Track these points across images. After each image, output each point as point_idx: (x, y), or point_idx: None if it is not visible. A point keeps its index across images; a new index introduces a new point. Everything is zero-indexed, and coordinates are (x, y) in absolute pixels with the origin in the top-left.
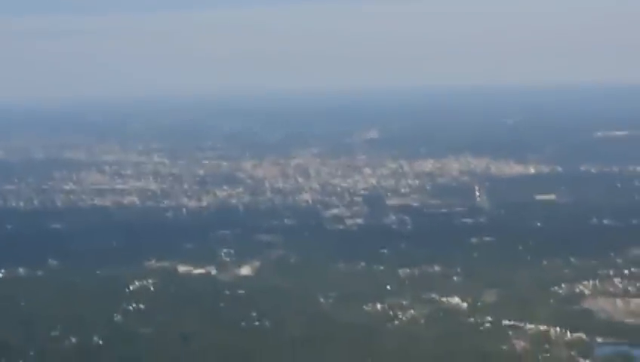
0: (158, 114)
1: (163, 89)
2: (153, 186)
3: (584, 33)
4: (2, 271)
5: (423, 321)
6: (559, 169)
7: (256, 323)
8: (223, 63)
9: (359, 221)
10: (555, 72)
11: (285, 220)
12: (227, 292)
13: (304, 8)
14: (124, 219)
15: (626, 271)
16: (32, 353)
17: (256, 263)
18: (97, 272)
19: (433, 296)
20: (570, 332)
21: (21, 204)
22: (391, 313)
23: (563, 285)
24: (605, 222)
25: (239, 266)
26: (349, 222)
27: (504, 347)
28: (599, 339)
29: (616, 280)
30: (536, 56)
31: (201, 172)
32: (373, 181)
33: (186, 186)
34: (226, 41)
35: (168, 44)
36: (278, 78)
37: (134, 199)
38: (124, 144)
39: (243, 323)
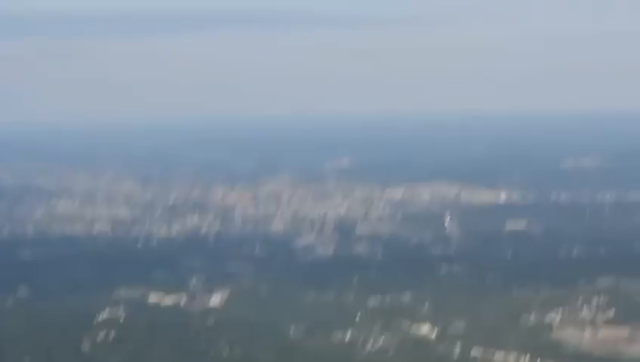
0: (128, 140)
1: (130, 115)
2: (123, 214)
3: (550, 61)
4: None
5: (392, 350)
6: (529, 197)
7: (225, 353)
8: (190, 91)
9: (329, 249)
10: (523, 100)
11: (256, 249)
12: (197, 321)
13: (271, 33)
14: (94, 247)
15: (595, 301)
16: None
17: (226, 292)
18: (66, 301)
19: (403, 324)
20: (540, 361)
21: None
22: (360, 342)
23: (532, 314)
24: (575, 251)
25: (209, 295)
26: (319, 250)
27: None
28: None
29: (585, 310)
30: (504, 85)
31: (172, 199)
32: (344, 209)
33: (156, 214)
34: (186, 68)
35: (134, 73)
36: (249, 106)
37: (104, 227)
38: (95, 171)
39: (212, 353)
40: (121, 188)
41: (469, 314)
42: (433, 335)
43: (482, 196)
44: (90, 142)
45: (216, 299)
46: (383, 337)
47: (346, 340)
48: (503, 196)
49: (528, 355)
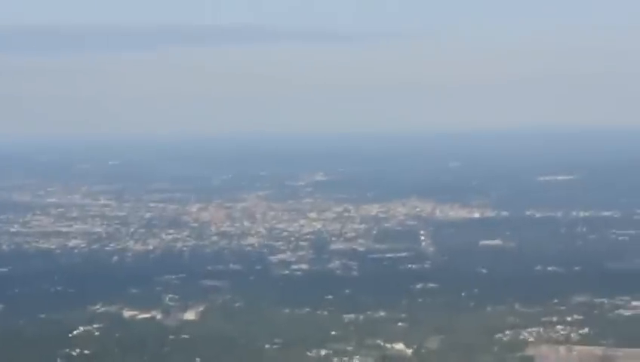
0: (103, 154)
1: (105, 130)
2: (99, 229)
3: (522, 76)
4: None
5: None
6: (504, 213)
7: None
8: (162, 105)
9: (304, 266)
10: (497, 117)
11: (231, 265)
12: (172, 337)
13: (237, 49)
14: (69, 262)
15: (569, 319)
16: None
17: (201, 308)
18: (41, 316)
19: (378, 341)
20: None
21: None
22: (335, 359)
23: (507, 332)
24: (549, 268)
25: (184, 311)
26: (294, 267)
27: None
28: None
29: (560, 327)
30: (477, 101)
31: (148, 215)
32: (319, 225)
33: (132, 229)
34: (162, 82)
35: (101, 84)
36: (223, 121)
37: (80, 242)
38: (70, 185)
39: None
40: (96, 203)
41: (444, 331)
42: (409, 353)
43: (457, 212)
44: (64, 157)
45: (191, 315)
46: (359, 354)
47: (321, 356)
48: (477, 212)
49: None
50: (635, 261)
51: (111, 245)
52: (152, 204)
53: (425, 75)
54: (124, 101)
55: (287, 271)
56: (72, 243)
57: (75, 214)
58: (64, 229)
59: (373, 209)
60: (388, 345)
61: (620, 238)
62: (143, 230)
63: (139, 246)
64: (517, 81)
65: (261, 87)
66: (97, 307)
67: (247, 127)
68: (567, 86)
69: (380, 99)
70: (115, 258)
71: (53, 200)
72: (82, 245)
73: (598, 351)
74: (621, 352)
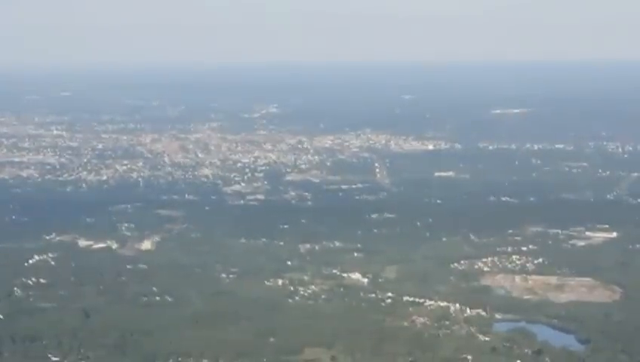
0: (54, 85)
1: (56, 59)
2: (52, 160)
3: (482, 11)
4: None
5: (324, 297)
6: (458, 146)
7: (158, 298)
8: (117, 34)
9: (260, 196)
10: (452, 49)
11: (186, 195)
12: (128, 266)
13: None
14: (23, 192)
15: (524, 248)
16: None
17: (157, 238)
18: None
19: (334, 271)
20: (470, 308)
21: None
22: (292, 288)
23: (462, 262)
24: (503, 199)
25: (140, 241)
26: (249, 197)
27: (405, 323)
28: (498, 316)
29: (515, 257)
30: (434, 33)
31: (101, 146)
32: (273, 156)
33: (85, 160)
34: (117, 11)
35: (58, 14)
36: (178, 51)
37: (33, 172)
38: (22, 116)
39: (144, 299)
40: (48, 134)
41: (400, 261)
42: (365, 282)
43: (411, 144)
44: (14, 88)
45: (147, 244)
46: (315, 284)
47: (278, 286)
48: (431, 144)
49: (458, 303)
50: (588, 192)
51: (64, 175)
52: (104, 135)
53: (375, 6)
54: (74, 29)
55: (242, 202)
56: (25, 173)
57: (27, 145)
58: (17, 159)
59: (327, 141)
60: (344, 275)
61: (574, 170)
62: (96, 160)
63: (92, 177)
64: (470, 14)
65: (212, 15)
66: (52, 236)
67: (199, 58)
68: (518, 19)
69: (330, 29)
70: (69, 188)
71: (4, 130)
72: (35, 175)
73: (552, 280)
74: (575, 281)
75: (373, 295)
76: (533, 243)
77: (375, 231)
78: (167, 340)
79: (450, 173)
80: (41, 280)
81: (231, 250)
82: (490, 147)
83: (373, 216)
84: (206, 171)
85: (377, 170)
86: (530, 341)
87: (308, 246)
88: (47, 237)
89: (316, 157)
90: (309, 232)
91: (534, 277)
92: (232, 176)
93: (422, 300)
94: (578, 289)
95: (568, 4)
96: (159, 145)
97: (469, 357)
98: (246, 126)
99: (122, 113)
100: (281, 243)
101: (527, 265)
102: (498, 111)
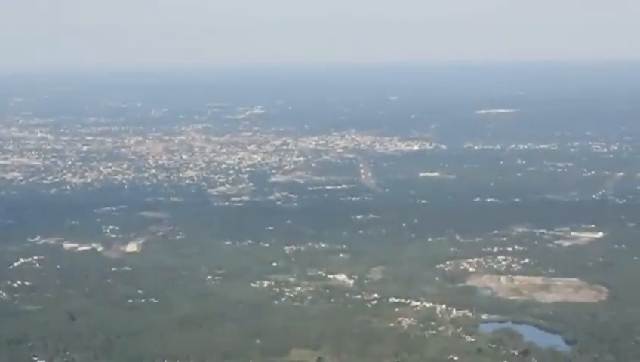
0: (39, 87)
1: (40, 62)
2: (36, 162)
3: (469, 11)
4: None
5: (310, 298)
6: (443, 146)
7: (143, 300)
8: (100, 35)
9: (245, 198)
10: (437, 50)
11: (171, 197)
12: (113, 269)
13: None
14: (8, 195)
15: (510, 249)
16: None
17: (142, 240)
18: None
19: (320, 272)
20: (456, 309)
21: None
22: (278, 290)
23: (448, 262)
24: (489, 199)
25: (125, 243)
26: (234, 199)
27: (391, 324)
28: (484, 316)
29: (501, 258)
30: (419, 34)
31: (85, 148)
32: (258, 158)
33: (69, 162)
34: (101, 12)
35: (43, 15)
36: (162, 53)
37: (17, 175)
38: (6, 119)
39: (130, 301)
40: (32, 137)
41: (385, 262)
42: (351, 284)
43: (397, 145)
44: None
45: (132, 247)
46: (301, 285)
47: (264, 287)
48: (417, 145)
49: (444, 303)
50: (573, 192)
51: (49, 178)
52: (89, 137)
53: (356, 9)
54: (57, 31)
55: (227, 203)
56: (9, 176)
57: (11, 147)
58: (1, 162)
59: (312, 141)
60: (330, 276)
61: (558, 170)
62: (80, 163)
63: (77, 179)
64: (456, 16)
65: (199, 19)
66: (37, 239)
67: (183, 59)
68: (508, 20)
69: (315, 32)
70: (54, 191)
71: None
72: (20, 178)
73: (538, 280)
74: (561, 282)
75: (359, 296)
76: (519, 243)
77: (360, 232)
78: (153, 342)
79: (436, 174)
80: (27, 283)
81: (216, 251)
82: (476, 147)
83: (359, 216)
84: (191, 173)
85: (362, 170)
86: (517, 341)
87: (293, 247)
88: (32, 240)
89: (301, 158)
90: (295, 233)
91: (520, 277)
92: (216, 177)
93: (408, 301)
94: (564, 290)
95: (553, 4)
96: (143, 147)
97: (455, 358)
98: (230, 127)
99: (106, 115)
100: (267, 244)
101: (513, 265)
102: (483, 111)
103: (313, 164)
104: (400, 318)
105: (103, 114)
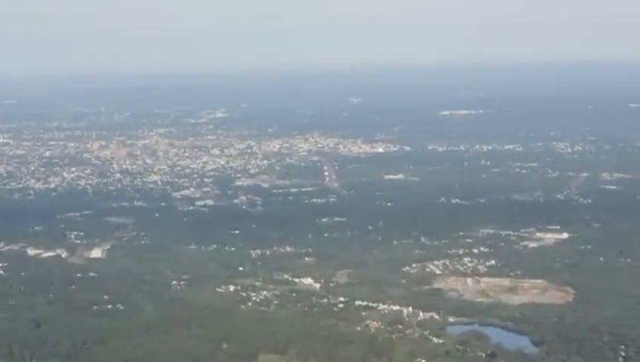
0: (0, 93)
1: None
2: None
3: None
4: None
5: (276, 302)
6: (407, 148)
7: (109, 306)
8: (63, 41)
9: (209, 202)
10: (397, 52)
11: (135, 202)
12: (78, 275)
13: None
14: None
15: (476, 250)
16: None
17: (107, 246)
18: None
19: (286, 276)
20: (423, 312)
21: None
22: (244, 294)
23: (414, 265)
24: (454, 201)
25: (90, 249)
26: (199, 203)
27: (358, 328)
28: (451, 319)
29: (467, 260)
30: (379, 36)
31: (48, 153)
32: (222, 162)
33: (32, 168)
34: (66, 17)
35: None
36: (123, 58)
37: None
38: None
39: (95, 307)
40: None
41: (351, 265)
42: (317, 287)
43: (361, 147)
44: None
45: (97, 252)
46: (267, 289)
47: (230, 292)
48: (381, 147)
49: (411, 306)
50: (538, 193)
51: (12, 184)
52: (51, 143)
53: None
54: (21, 36)
55: (192, 208)
56: None
57: None
58: None
59: (276, 145)
60: (296, 280)
61: (524, 171)
62: (43, 168)
63: (40, 185)
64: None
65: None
66: (1, 246)
67: (141, 64)
68: (473, 22)
69: (272, 36)
70: (17, 196)
71: None
72: None
73: (505, 282)
74: (527, 283)
75: (326, 300)
76: (485, 245)
77: (326, 235)
78: (120, 348)
79: (400, 176)
80: None
81: (181, 256)
82: (440, 149)
83: (324, 220)
84: (155, 177)
85: (326, 173)
86: (484, 343)
87: (259, 251)
88: None
89: (265, 161)
90: (260, 237)
91: (486, 279)
92: (180, 181)
93: (375, 304)
94: (531, 291)
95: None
96: (107, 151)
97: (423, 360)
98: (194, 131)
99: (69, 120)
100: (232, 248)
101: (479, 267)
102: (447, 112)
103: (277, 168)
104: (367, 321)
105: (66, 118)
